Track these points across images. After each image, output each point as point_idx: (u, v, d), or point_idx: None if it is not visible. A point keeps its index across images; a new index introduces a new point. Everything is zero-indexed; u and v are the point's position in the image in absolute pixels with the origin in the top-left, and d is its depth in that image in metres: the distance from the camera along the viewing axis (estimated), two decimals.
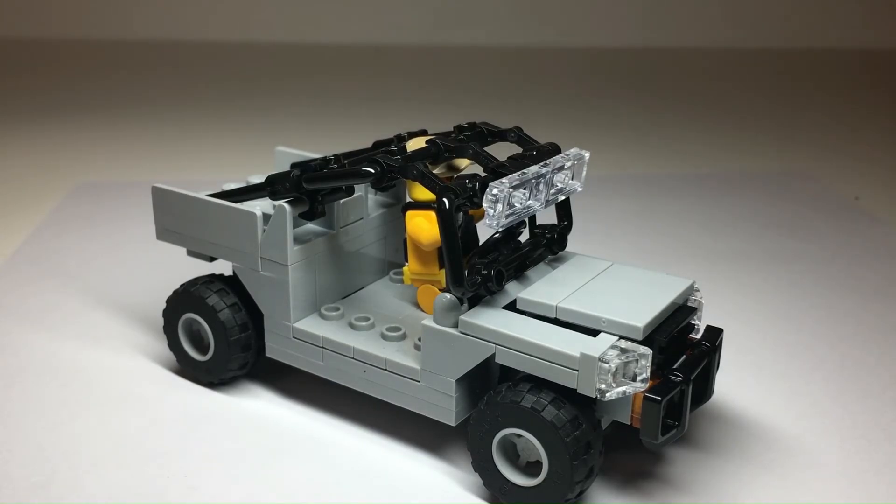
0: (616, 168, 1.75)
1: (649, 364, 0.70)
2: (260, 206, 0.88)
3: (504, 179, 0.74)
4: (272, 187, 0.85)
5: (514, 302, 0.78)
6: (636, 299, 0.77)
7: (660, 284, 0.80)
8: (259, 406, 0.91)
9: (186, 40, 2.90)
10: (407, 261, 0.86)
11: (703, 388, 0.79)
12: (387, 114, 2.15)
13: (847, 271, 1.28)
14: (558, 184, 0.82)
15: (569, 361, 0.70)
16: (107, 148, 1.82)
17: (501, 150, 0.86)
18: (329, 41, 2.95)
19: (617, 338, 0.72)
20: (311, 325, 0.86)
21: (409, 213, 0.83)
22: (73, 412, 0.89)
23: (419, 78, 2.59)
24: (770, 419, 0.90)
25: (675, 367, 0.74)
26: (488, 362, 0.76)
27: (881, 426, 0.89)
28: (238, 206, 0.87)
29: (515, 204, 0.76)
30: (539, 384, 0.72)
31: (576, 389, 0.70)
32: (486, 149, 0.83)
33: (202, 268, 1.08)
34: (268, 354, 0.90)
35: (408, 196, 0.86)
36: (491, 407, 0.74)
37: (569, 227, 0.87)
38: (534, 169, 0.78)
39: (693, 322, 0.81)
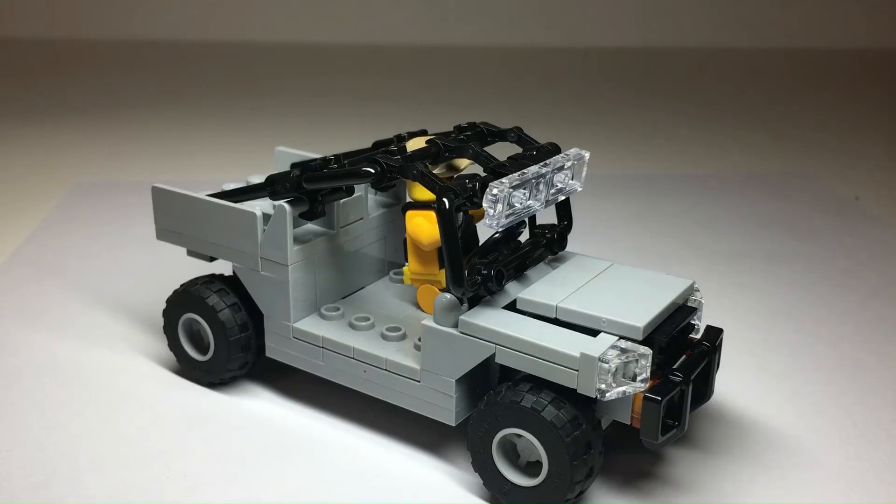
0: (616, 168, 1.75)
1: (649, 364, 0.70)
2: (260, 206, 0.88)
3: (504, 179, 0.74)
4: (272, 187, 0.85)
5: (514, 302, 0.78)
6: (636, 299, 0.77)
7: (660, 284, 0.80)
8: (259, 406, 0.91)
9: (186, 40, 2.90)
10: (407, 261, 0.86)
11: (703, 388, 0.79)
12: (387, 114, 2.15)
13: (847, 271, 1.28)
14: (558, 184, 0.82)
15: (569, 361, 0.70)
16: (106, 148, 1.82)
17: (501, 150, 0.86)
18: (329, 41, 2.95)
19: (617, 338, 0.72)
20: (311, 325, 0.86)
21: (409, 213, 0.83)
22: (73, 412, 0.89)
23: (419, 78, 2.59)
24: (770, 419, 0.90)
25: (675, 367, 0.74)
26: (488, 362, 0.76)
27: (881, 426, 0.89)
28: (238, 206, 0.87)
29: (515, 204, 0.76)
30: (539, 384, 0.72)
31: (576, 389, 0.70)
32: (486, 149, 0.83)
33: (202, 268, 1.08)
34: (268, 354, 0.90)
35: (408, 196, 0.86)
36: (491, 407, 0.74)
37: (569, 227, 0.87)
38: (534, 169, 0.78)
39: (693, 322, 0.81)
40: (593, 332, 0.73)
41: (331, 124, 2.05)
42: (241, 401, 0.91)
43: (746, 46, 3.06)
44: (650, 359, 0.71)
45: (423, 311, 0.89)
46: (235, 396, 0.92)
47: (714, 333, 0.81)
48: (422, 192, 0.82)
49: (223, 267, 1.09)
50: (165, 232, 0.94)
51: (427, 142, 0.84)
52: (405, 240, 0.86)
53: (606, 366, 0.68)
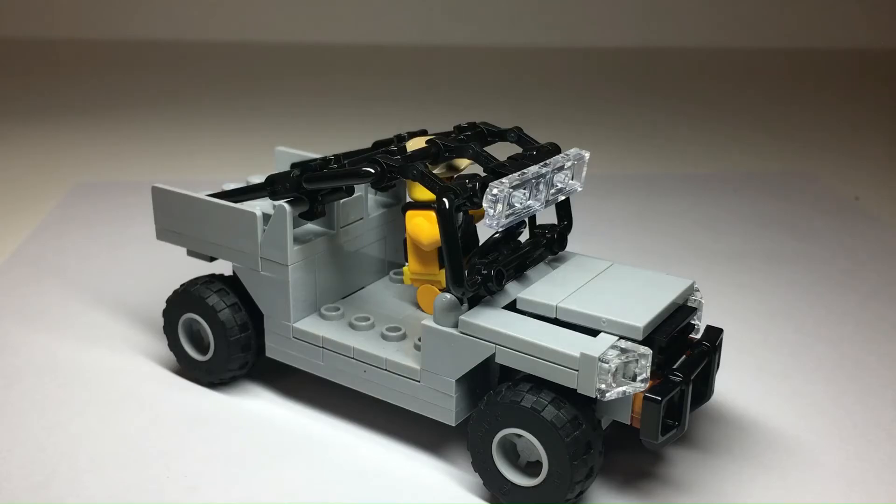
0: (616, 168, 1.75)
1: (649, 364, 0.70)
2: (260, 206, 0.88)
3: (504, 179, 0.74)
4: (272, 187, 0.85)
5: (514, 302, 0.78)
6: (636, 299, 0.77)
7: (660, 284, 0.80)
8: (259, 406, 0.91)
9: (186, 40, 2.90)
10: (407, 261, 0.86)
11: (703, 388, 0.79)
12: (387, 114, 2.15)
13: (847, 271, 1.28)
14: (558, 184, 0.82)
15: (569, 361, 0.70)
16: (106, 148, 1.82)
17: (501, 150, 0.86)
18: (329, 41, 2.95)
19: (617, 338, 0.72)
20: (311, 325, 0.86)
21: (409, 213, 0.83)
22: (73, 412, 0.89)
23: (419, 78, 2.59)
24: (770, 419, 0.90)
25: (675, 367, 0.74)
26: (488, 362, 0.76)
27: (881, 426, 0.89)
28: (238, 206, 0.87)
29: (515, 204, 0.76)
30: (539, 384, 0.72)
31: (576, 389, 0.70)
32: (486, 149, 0.83)
33: (202, 268, 1.08)
34: (268, 354, 0.90)
35: (408, 196, 0.86)
36: (491, 407, 0.74)
37: (569, 227, 0.87)
38: (534, 169, 0.78)
39: (693, 322, 0.81)
40: (593, 333, 0.73)
41: (331, 124, 2.05)
42: (241, 401, 0.91)
43: (746, 46, 3.06)
44: (650, 359, 0.71)
45: (423, 311, 0.89)
46: (235, 396, 0.92)
47: (714, 333, 0.81)
48: (422, 192, 0.82)
49: (223, 267, 1.09)
50: (165, 232, 0.94)
51: (427, 142, 0.84)
52: (405, 240, 0.86)
53: (606, 366, 0.68)
